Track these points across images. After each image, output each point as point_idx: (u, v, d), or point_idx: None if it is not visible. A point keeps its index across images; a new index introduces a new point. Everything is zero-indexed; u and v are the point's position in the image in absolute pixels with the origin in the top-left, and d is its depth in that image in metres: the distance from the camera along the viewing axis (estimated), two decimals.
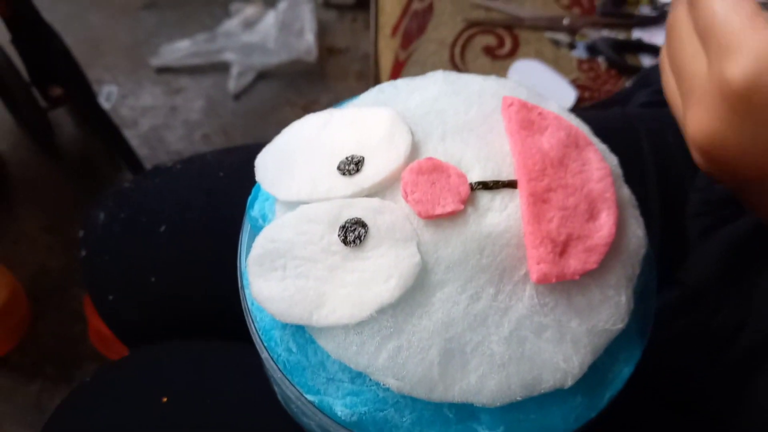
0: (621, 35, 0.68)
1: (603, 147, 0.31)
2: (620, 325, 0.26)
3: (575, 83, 0.65)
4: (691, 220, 0.43)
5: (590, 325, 0.26)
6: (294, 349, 0.27)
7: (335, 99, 1.21)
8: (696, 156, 0.27)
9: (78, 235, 0.49)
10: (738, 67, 0.23)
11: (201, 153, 0.50)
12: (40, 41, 0.86)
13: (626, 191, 0.30)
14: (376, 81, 0.81)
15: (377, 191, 0.26)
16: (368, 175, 0.26)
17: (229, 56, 1.20)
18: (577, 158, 0.28)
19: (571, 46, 0.67)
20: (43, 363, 0.94)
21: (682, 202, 0.44)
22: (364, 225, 0.25)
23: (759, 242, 0.35)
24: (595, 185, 0.27)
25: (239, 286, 0.29)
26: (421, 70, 0.67)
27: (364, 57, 1.26)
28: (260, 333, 0.28)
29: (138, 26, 1.29)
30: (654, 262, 0.30)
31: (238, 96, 1.20)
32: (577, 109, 0.63)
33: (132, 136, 1.12)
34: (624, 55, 0.66)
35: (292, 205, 0.27)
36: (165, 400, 0.38)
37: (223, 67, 1.21)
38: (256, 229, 0.29)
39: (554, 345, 0.25)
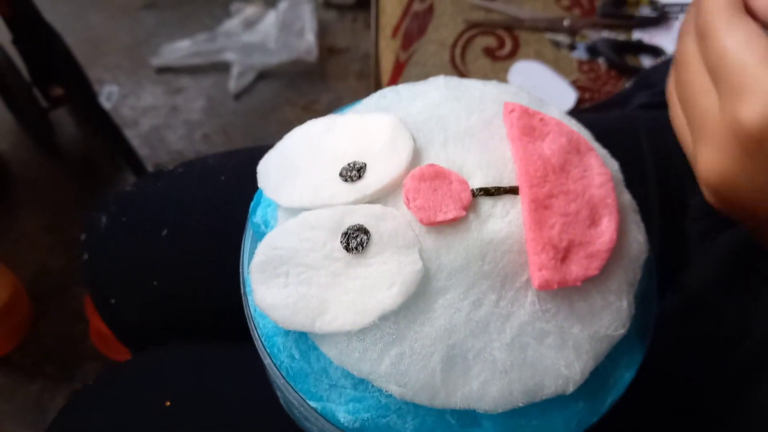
0: (621, 36, 0.68)
1: (604, 152, 0.31)
2: (622, 331, 0.26)
3: (575, 84, 0.65)
4: (692, 223, 0.43)
5: (592, 330, 0.26)
6: (297, 356, 0.27)
7: (335, 99, 1.21)
8: (707, 195, 0.27)
9: (78, 235, 0.49)
10: (752, 109, 0.22)
11: (202, 156, 0.50)
12: (40, 41, 0.86)
13: (627, 196, 0.30)
14: (377, 82, 0.81)
15: (379, 198, 0.26)
16: (370, 182, 0.26)
17: (229, 56, 1.20)
18: (579, 164, 0.28)
19: (572, 47, 0.67)
20: (44, 363, 0.94)
21: (683, 204, 0.44)
22: (366, 232, 0.25)
23: (760, 246, 0.35)
24: (596, 191, 0.27)
25: (242, 292, 0.29)
26: (422, 70, 0.67)
27: (364, 57, 1.26)
28: (263, 339, 0.28)
29: (138, 26, 1.29)
30: (655, 266, 0.30)
31: (238, 96, 1.20)
32: (577, 111, 0.63)
33: (133, 136, 1.12)
34: (624, 56, 0.66)
35: (295, 211, 0.27)
36: (168, 404, 0.38)
37: (223, 67, 1.21)
38: (259, 236, 0.29)
39: (556, 351, 0.25)
